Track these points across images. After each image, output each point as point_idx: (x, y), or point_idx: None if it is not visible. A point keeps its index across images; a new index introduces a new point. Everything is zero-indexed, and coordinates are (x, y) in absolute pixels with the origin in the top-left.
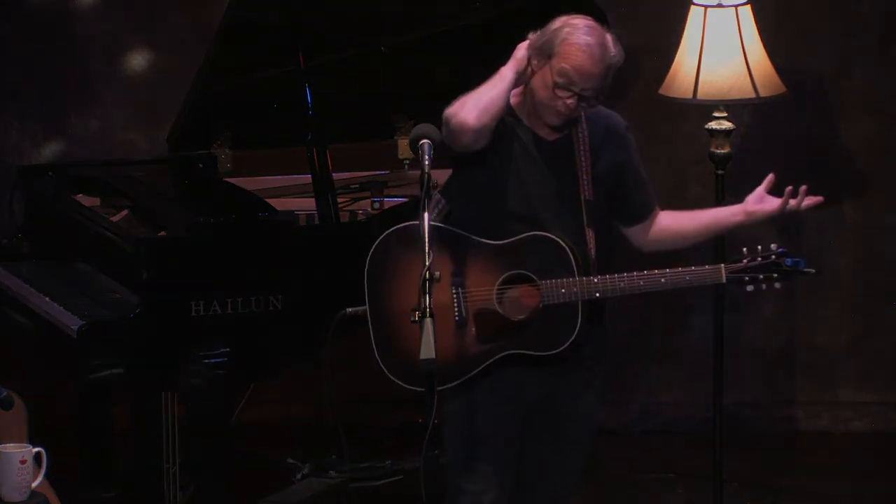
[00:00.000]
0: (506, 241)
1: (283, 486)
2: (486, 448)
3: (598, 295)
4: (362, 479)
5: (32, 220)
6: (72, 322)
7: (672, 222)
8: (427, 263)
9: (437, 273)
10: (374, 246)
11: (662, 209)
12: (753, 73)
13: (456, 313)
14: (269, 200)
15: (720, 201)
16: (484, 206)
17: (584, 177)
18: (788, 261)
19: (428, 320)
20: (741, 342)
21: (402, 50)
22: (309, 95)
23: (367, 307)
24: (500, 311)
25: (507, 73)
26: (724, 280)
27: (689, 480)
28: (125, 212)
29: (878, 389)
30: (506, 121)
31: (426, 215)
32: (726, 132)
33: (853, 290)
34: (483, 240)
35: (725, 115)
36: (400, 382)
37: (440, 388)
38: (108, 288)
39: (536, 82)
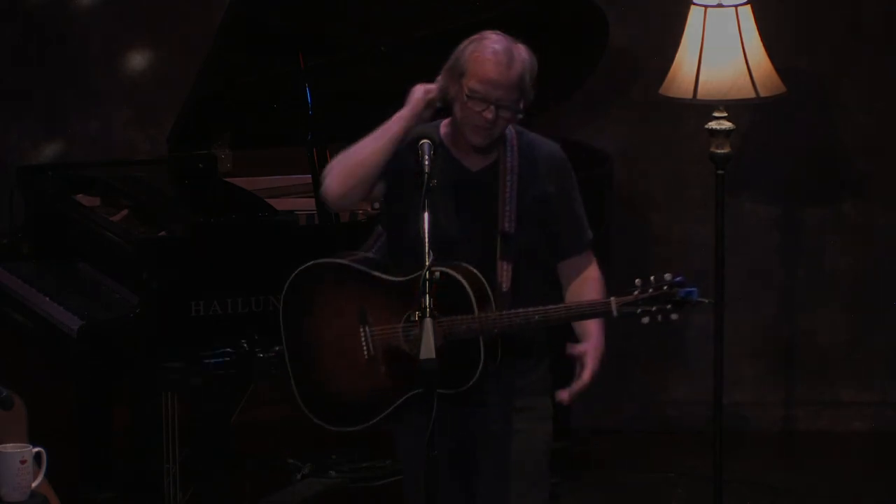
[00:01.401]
0: (408, 277)
1: (283, 486)
2: (412, 485)
3: (496, 331)
4: (362, 479)
5: (32, 220)
6: (72, 322)
7: (570, 284)
8: (427, 263)
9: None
10: (286, 285)
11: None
12: (753, 73)
13: (365, 352)
14: (269, 200)
15: (720, 201)
16: (401, 238)
17: (506, 208)
18: (682, 291)
19: (428, 320)
20: (741, 342)
21: (402, 50)
22: (309, 95)
23: (283, 347)
24: (406, 349)
25: (393, 126)
26: (614, 314)
27: (689, 480)
28: (125, 212)
29: (878, 389)
30: (438, 152)
31: (426, 215)
32: (726, 132)
33: (853, 290)
34: (386, 276)
35: (725, 115)
36: (322, 423)
37: (353, 428)
38: (108, 288)
39: (456, 106)
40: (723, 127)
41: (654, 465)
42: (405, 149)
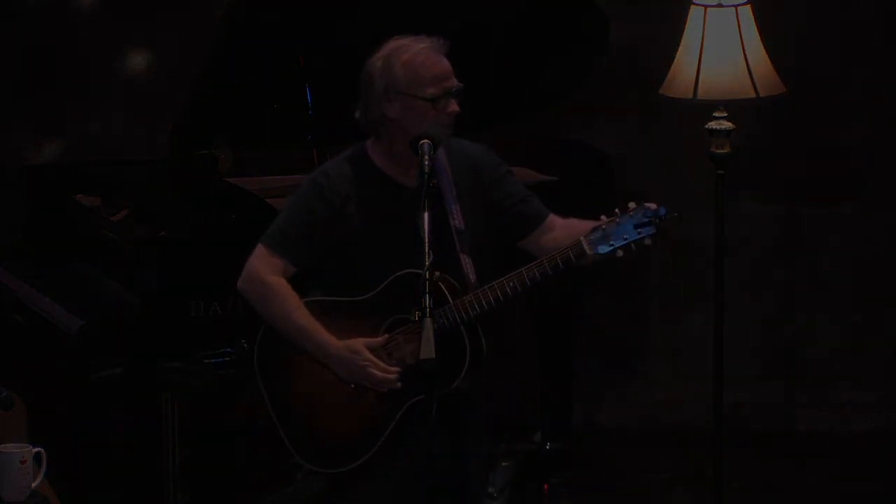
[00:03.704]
0: (373, 291)
1: (283, 486)
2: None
3: (478, 311)
4: None
5: (32, 220)
6: (72, 322)
7: (564, 229)
8: (427, 262)
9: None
10: (255, 346)
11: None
12: (753, 73)
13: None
14: (269, 200)
15: (720, 201)
16: (354, 269)
17: (453, 206)
18: (648, 212)
19: (428, 320)
20: (741, 342)
21: None
22: (309, 95)
23: (266, 402)
24: (392, 362)
25: (303, 342)
26: (588, 252)
27: (689, 480)
28: (125, 212)
29: (878, 389)
30: (370, 184)
31: (426, 215)
32: (726, 132)
33: (853, 290)
34: (354, 298)
35: (725, 115)
36: (327, 470)
37: (356, 464)
38: (108, 288)
39: (405, 124)
40: (723, 127)
41: (654, 465)
42: (324, 185)
